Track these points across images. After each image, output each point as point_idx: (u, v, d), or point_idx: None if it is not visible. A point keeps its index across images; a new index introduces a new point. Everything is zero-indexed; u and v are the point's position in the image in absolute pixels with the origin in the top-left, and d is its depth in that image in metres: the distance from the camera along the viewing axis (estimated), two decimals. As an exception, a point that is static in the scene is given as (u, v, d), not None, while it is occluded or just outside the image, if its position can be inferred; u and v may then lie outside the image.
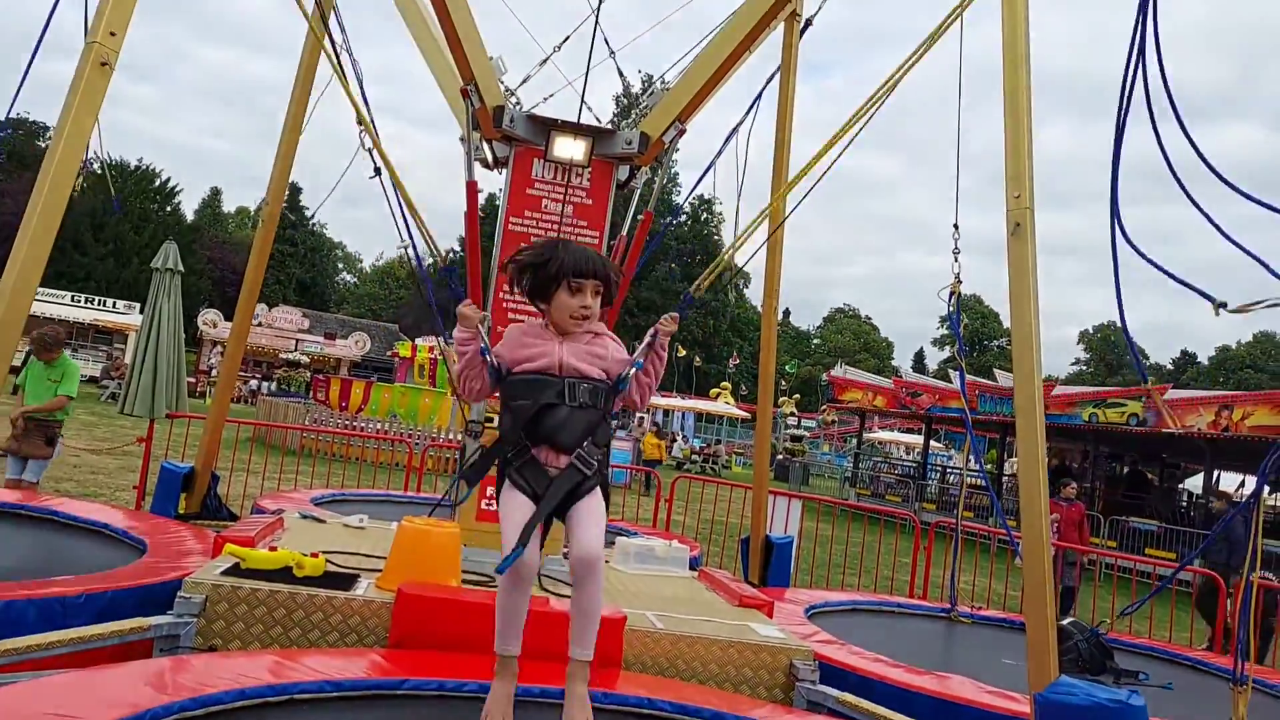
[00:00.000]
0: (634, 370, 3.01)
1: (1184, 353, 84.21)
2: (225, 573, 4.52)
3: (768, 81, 7.37)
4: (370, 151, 5.70)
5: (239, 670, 3.66)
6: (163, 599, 4.51)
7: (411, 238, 5.74)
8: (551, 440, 2.86)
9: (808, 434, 47.23)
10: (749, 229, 4.05)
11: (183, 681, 3.45)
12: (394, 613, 4.44)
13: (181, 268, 9.58)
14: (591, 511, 2.90)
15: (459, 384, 3.01)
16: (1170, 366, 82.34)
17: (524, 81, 6.21)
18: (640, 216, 6.01)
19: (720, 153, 7.01)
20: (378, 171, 5.82)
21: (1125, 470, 23.11)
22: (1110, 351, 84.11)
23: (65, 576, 4.66)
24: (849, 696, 4.58)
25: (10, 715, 2.93)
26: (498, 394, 3.05)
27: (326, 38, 6.01)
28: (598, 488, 2.92)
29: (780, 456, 33.89)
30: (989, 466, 26.75)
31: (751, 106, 7.24)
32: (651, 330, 3.03)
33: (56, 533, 6.20)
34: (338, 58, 5.88)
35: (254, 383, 36.05)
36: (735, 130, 7.04)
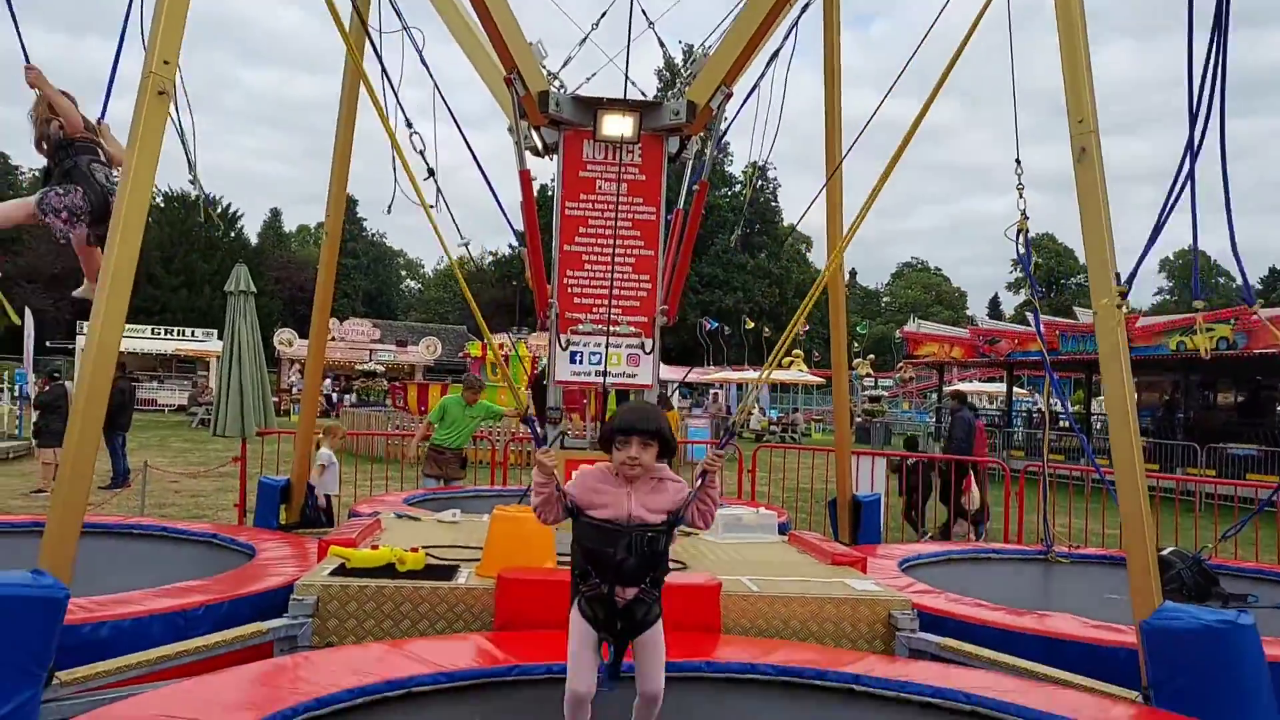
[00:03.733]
0: (691, 503, 3.36)
1: (1272, 270, 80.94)
2: (333, 573, 4.71)
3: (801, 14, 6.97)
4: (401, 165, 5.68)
5: (355, 666, 3.81)
6: (277, 604, 4.71)
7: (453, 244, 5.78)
8: (619, 580, 3.24)
9: (886, 394, 46.58)
10: (810, 297, 4.08)
11: (305, 680, 3.61)
12: (497, 598, 4.56)
13: (254, 288, 9.86)
14: (656, 647, 3.30)
15: (536, 512, 3.41)
16: (1259, 286, 79.20)
17: (566, 63, 6.22)
18: (695, 187, 6.01)
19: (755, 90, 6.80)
20: (431, 173, 5.89)
21: (1242, 399, 22.23)
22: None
23: (187, 583, 4.91)
24: (951, 641, 4.58)
25: None
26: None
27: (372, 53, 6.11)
28: (660, 619, 3.32)
29: (859, 419, 33.46)
30: (1075, 408, 26.08)
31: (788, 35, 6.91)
32: (700, 470, 3.41)
33: (175, 547, 6.57)
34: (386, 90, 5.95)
35: (334, 395, 36.97)
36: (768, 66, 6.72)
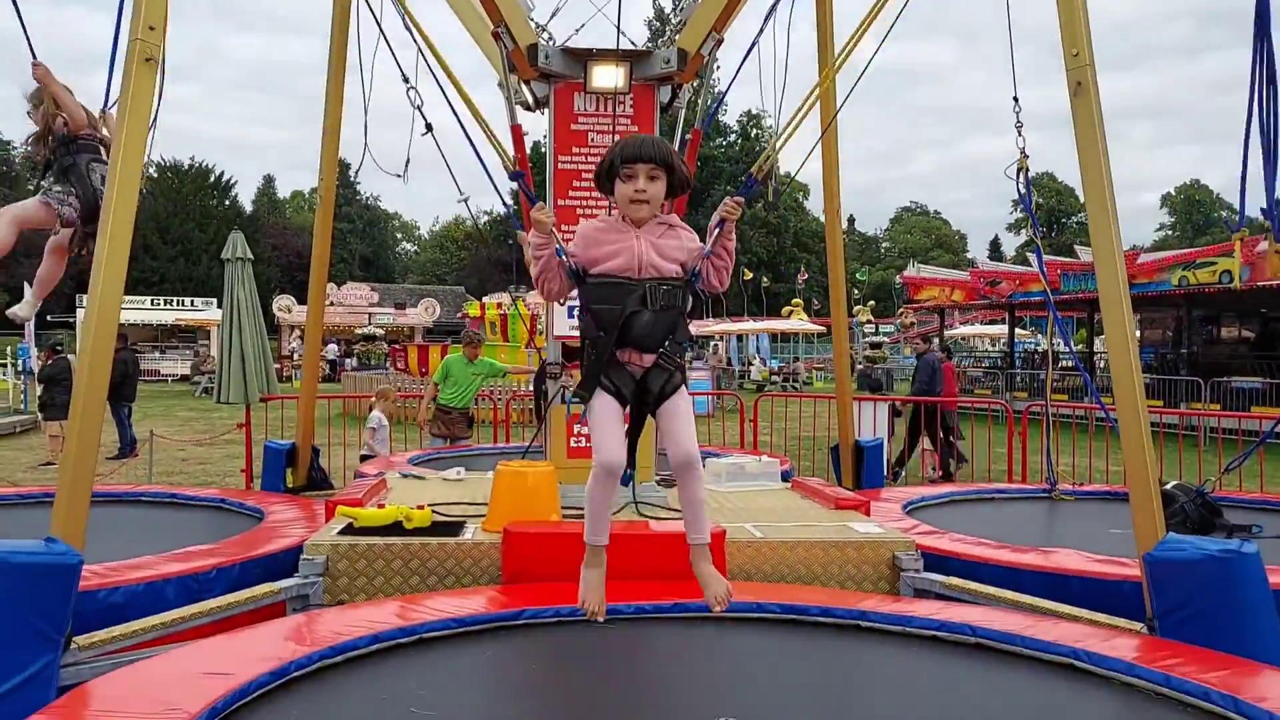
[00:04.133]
0: (706, 258, 3.00)
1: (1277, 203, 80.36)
2: (341, 533, 4.76)
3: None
4: (419, 109, 5.60)
5: (369, 618, 3.87)
6: (288, 564, 4.76)
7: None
8: (637, 343, 2.89)
9: (887, 340, 46.59)
10: (801, 110, 3.92)
11: (320, 633, 3.66)
12: (503, 551, 4.61)
13: (250, 255, 9.84)
14: (681, 411, 2.96)
15: (538, 286, 3.03)
16: (1260, 218, 78.54)
17: (554, 14, 6.15)
18: (688, 136, 5.96)
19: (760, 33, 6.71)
20: (429, 128, 5.82)
21: (1248, 333, 22.20)
22: (1196, 211, 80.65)
23: (199, 548, 4.96)
24: (956, 580, 4.63)
25: (169, 677, 3.16)
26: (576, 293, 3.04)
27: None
28: (683, 385, 2.98)
29: (861, 367, 33.50)
30: (1079, 347, 26.07)
31: None
32: (717, 219, 2.99)
33: (184, 513, 6.66)
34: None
35: (336, 359, 37.05)
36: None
